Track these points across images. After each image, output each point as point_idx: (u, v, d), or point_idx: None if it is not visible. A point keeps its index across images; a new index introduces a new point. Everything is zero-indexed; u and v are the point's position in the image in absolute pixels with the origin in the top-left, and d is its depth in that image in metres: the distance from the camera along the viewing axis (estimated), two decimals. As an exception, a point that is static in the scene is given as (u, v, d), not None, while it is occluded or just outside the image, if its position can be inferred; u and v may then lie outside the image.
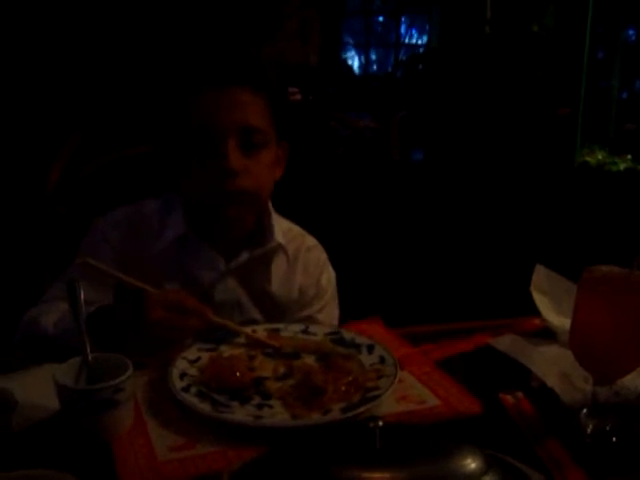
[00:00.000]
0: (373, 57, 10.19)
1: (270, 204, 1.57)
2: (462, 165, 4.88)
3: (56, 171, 1.93)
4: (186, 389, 1.16)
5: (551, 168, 4.57)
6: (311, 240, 1.68)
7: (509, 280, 2.42)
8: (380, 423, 0.80)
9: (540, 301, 1.48)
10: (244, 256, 1.52)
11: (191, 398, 1.13)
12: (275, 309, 1.57)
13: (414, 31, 10.27)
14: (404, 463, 0.78)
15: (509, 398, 1.19)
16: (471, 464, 0.78)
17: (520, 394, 1.20)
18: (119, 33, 4.21)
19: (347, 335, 1.38)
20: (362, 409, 1.09)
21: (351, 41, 9.76)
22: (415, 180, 4.87)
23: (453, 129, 5.04)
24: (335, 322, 1.62)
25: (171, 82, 1.58)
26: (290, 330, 1.42)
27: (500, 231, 4.33)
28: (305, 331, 1.42)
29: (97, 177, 1.91)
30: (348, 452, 0.81)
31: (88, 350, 1.10)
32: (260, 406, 1.13)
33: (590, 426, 1.09)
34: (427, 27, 9.09)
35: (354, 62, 9.83)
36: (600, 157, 4.78)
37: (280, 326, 1.43)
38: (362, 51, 9.92)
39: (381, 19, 10.33)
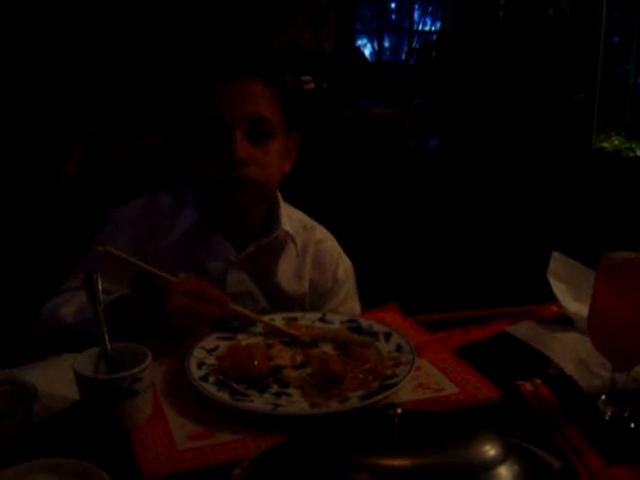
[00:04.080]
0: (386, 44, 10.15)
1: (279, 194, 1.58)
2: (477, 152, 4.85)
3: (72, 163, 1.94)
4: (204, 378, 1.16)
5: (567, 154, 4.54)
6: (322, 232, 1.67)
7: (526, 267, 2.41)
8: (399, 411, 0.80)
9: (557, 288, 1.47)
10: (253, 246, 1.53)
11: (209, 387, 1.13)
12: (285, 302, 1.58)
13: (427, 18, 10.23)
14: (423, 450, 0.78)
15: (527, 385, 1.19)
16: (490, 451, 0.78)
17: (538, 381, 1.20)
18: (134, 25, 4.21)
19: (364, 323, 1.39)
20: (380, 397, 1.09)
21: (363, 28, 9.73)
22: (430, 167, 4.85)
23: (468, 116, 5.01)
24: (357, 315, 1.60)
25: (182, 74, 1.58)
26: (307, 319, 1.42)
27: (516, 217, 4.30)
28: (322, 319, 1.42)
29: (111, 169, 1.91)
30: (367, 440, 0.81)
31: (107, 340, 1.11)
32: (278, 394, 1.13)
33: (608, 412, 1.09)
34: (440, 13, 9.06)
35: (366, 49, 9.79)
36: (617, 142, 4.74)
37: (297, 315, 1.43)
38: (375, 38, 9.88)
39: (394, 5, 10.29)
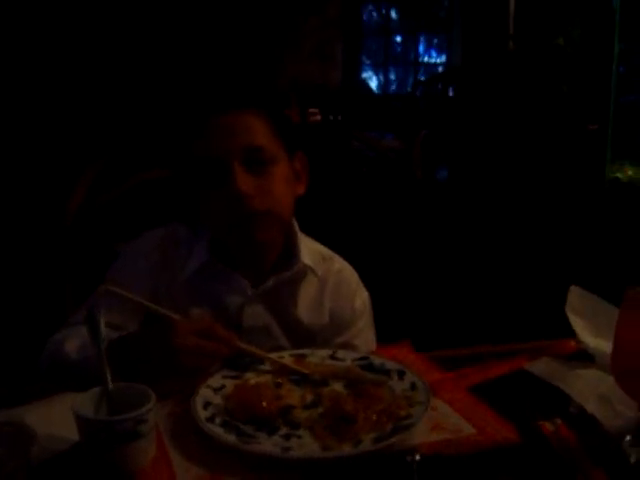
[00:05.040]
0: (392, 77, 10.22)
1: (296, 225, 1.54)
2: (489, 182, 4.81)
3: (77, 197, 1.92)
4: (211, 419, 1.12)
5: (581, 185, 4.50)
6: (340, 262, 1.63)
7: (542, 301, 2.36)
8: (417, 457, 0.76)
9: (576, 323, 1.42)
10: (272, 280, 1.49)
11: (216, 429, 1.09)
12: (304, 335, 1.53)
13: (432, 50, 10.32)
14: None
15: (548, 425, 1.14)
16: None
17: (559, 421, 1.15)
18: (138, 59, 4.23)
19: (376, 361, 1.33)
20: (395, 439, 1.04)
21: (369, 61, 9.81)
22: (440, 199, 4.82)
23: (478, 146, 4.98)
24: (372, 347, 1.57)
25: (173, 114, 1.57)
26: (317, 356, 1.37)
27: (530, 251, 4.24)
28: (333, 357, 1.37)
29: (118, 203, 1.89)
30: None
31: (109, 379, 1.06)
32: (288, 436, 1.08)
33: (634, 455, 1.04)
34: (445, 45, 9.14)
35: (372, 82, 9.87)
36: (630, 173, 4.71)
37: (307, 352, 1.38)
38: (380, 71, 9.95)
39: (399, 39, 10.38)
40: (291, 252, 1.51)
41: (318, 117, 5.64)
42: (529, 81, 4.61)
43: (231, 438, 1.06)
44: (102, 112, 4.09)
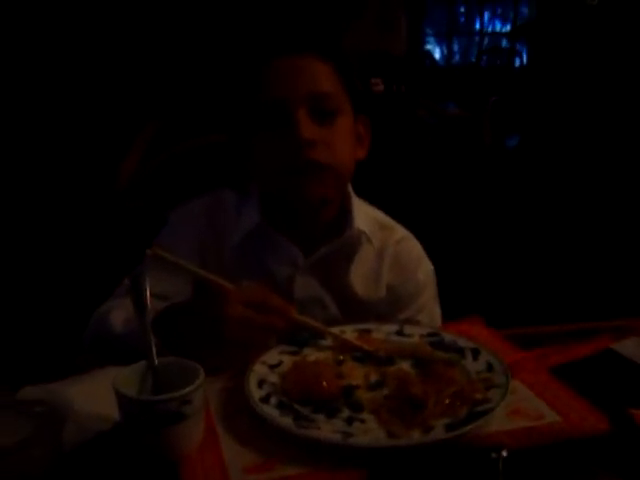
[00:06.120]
0: (455, 48, 10.08)
1: (351, 188, 1.44)
2: (565, 149, 4.56)
3: (131, 161, 1.87)
4: (265, 399, 1.02)
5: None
6: (402, 231, 1.52)
7: (628, 276, 2.20)
8: (504, 453, 0.64)
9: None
10: (324, 249, 1.39)
11: (271, 410, 0.99)
12: (360, 309, 1.43)
13: (496, 20, 10.15)
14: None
15: (641, 414, 1.01)
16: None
17: (654, 409, 1.02)
18: (193, 18, 4.15)
19: (448, 337, 1.22)
20: (470, 427, 0.93)
21: (432, 31, 9.67)
22: (511, 167, 4.61)
23: (552, 111, 4.72)
24: (438, 323, 1.46)
25: (237, 57, 1.48)
26: (383, 331, 1.26)
27: (614, 222, 4.00)
28: (400, 332, 1.26)
29: (171, 168, 1.83)
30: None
31: (154, 354, 0.97)
32: (350, 420, 0.98)
33: None
34: (511, 15, 8.95)
35: (435, 53, 9.74)
36: None
37: (371, 326, 1.27)
38: (444, 42, 9.81)
39: (462, 9, 10.23)
40: (345, 217, 1.41)
41: (380, 87, 5.51)
42: (613, 40, 4.35)
43: (287, 421, 0.96)
44: (160, 74, 4.02)
